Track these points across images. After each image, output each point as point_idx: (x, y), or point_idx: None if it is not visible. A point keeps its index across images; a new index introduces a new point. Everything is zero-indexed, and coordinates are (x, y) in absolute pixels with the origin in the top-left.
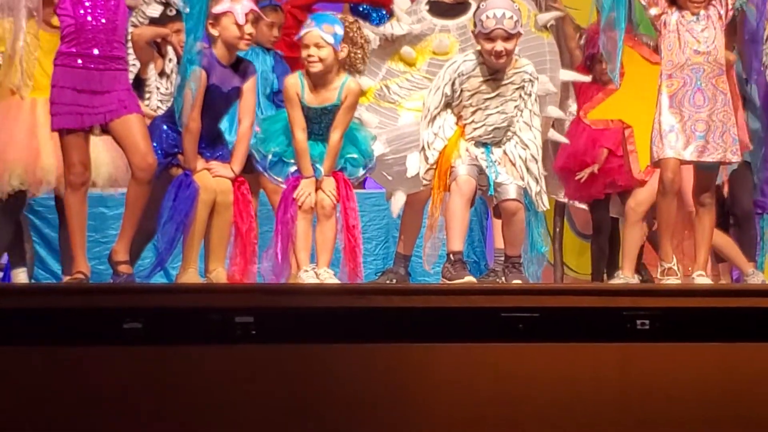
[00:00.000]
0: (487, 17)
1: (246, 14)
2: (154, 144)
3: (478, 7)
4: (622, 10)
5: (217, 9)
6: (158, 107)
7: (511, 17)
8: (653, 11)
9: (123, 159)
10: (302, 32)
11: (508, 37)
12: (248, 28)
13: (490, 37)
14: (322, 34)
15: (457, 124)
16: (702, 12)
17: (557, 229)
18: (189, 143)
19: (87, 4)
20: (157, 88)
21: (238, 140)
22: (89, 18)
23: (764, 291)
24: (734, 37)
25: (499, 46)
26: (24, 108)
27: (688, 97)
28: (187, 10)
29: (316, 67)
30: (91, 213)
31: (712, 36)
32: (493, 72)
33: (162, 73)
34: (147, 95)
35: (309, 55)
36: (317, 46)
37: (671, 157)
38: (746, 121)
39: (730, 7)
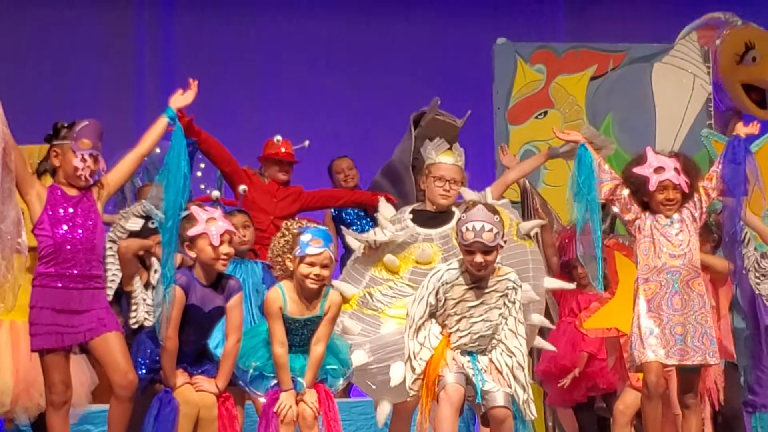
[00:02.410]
0: (467, 229)
1: (221, 235)
2: (139, 359)
3: (461, 217)
4: (595, 216)
5: (192, 231)
6: (145, 319)
7: (491, 230)
8: (627, 217)
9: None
10: (311, 251)
11: (487, 250)
12: (224, 249)
13: (469, 249)
14: (331, 255)
15: (442, 333)
16: (676, 215)
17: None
18: (166, 361)
19: (65, 224)
20: (144, 300)
21: (224, 356)
22: (68, 237)
23: None
24: (711, 237)
25: (479, 258)
26: None
27: (666, 301)
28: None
29: (317, 286)
30: (76, 431)
31: (687, 239)
32: (477, 280)
33: (147, 285)
34: (134, 307)
35: (317, 275)
36: (326, 267)
37: (653, 360)
38: (732, 323)
39: (704, 209)
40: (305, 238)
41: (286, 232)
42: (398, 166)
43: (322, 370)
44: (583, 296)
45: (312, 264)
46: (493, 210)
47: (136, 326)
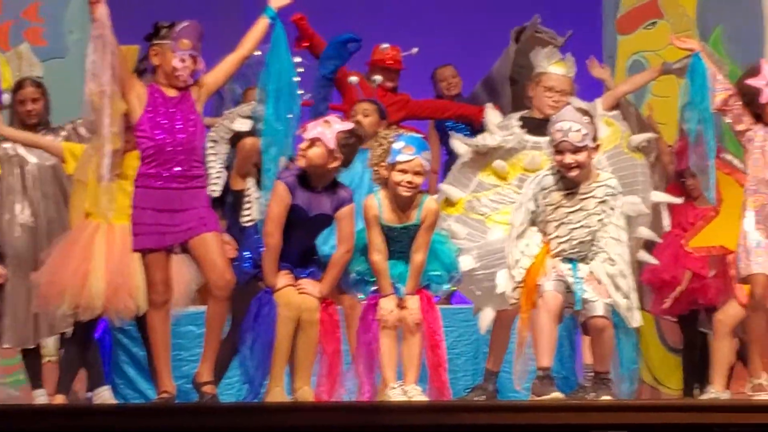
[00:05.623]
0: (555, 130)
1: (336, 135)
2: (245, 252)
3: (551, 120)
4: (708, 125)
5: (309, 135)
6: (260, 219)
7: (579, 130)
8: (739, 128)
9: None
10: (402, 158)
11: (575, 149)
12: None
13: (558, 149)
14: (423, 163)
15: (543, 241)
16: None
17: None
18: (266, 258)
19: (165, 125)
20: (257, 198)
21: (331, 264)
22: (168, 139)
23: None
24: None
25: (568, 158)
26: (85, 232)
27: None
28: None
29: (410, 193)
30: (179, 331)
31: None
32: (573, 185)
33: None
34: (247, 205)
35: (408, 182)
36: (418, 174)
37: (760, 272)
38: None
39: None
40: (397, 145)
41: (383, 141)
42: (497, 79)
43: (425, 276)
44: (693, 210)
45: (404, 171)
46: (584, 112)
47: (250, 224)
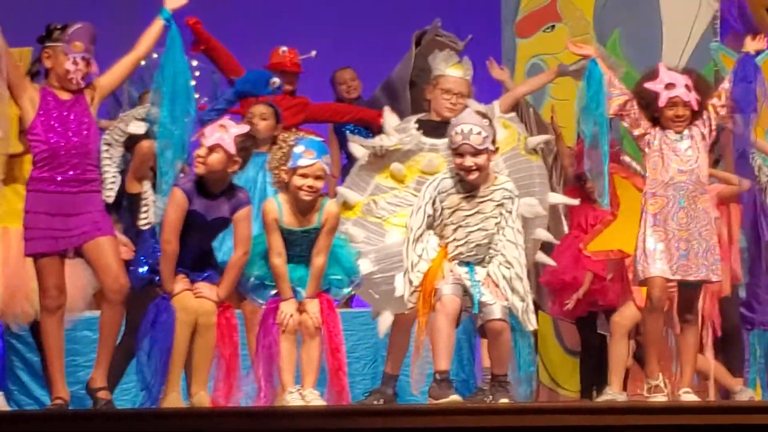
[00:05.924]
0: (456, 133)
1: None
2: (141, 257)
3: (451, 122)
4: (603, 131)
5: (209, 142)
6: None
7: (479, 133)
8: (636, 132)
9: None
10: (303, 162)
11: (476, 152)
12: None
13: (458, 152)
14: (324, 167)
15: (440, 245)
16: (685, 131)
17: None
18: (164, 265)
19: (58, 128)
20: (154, 201)
21: (229, 267)
22: (61, 142)
23: (751, 408)
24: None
25: (468, 161)
26: None
27: (671, 215)
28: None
29: (311, 197)
30: (75, 336)
31: (695, 155)
32: (471, 188)
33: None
34: (144, 209)
35: (309, 186)
36: (319, 178)
37: (657, 275)
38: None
39: (713, 127)
40: (298, 149)
41: (283, 144)
42: (397, 83)
43: (325, 280)
44: (593, 211)
45: (305, 175)
46: (483, 115)
47: (147, 227)
